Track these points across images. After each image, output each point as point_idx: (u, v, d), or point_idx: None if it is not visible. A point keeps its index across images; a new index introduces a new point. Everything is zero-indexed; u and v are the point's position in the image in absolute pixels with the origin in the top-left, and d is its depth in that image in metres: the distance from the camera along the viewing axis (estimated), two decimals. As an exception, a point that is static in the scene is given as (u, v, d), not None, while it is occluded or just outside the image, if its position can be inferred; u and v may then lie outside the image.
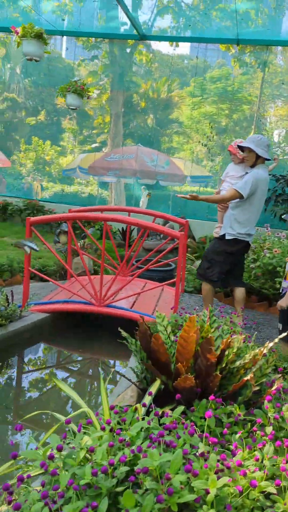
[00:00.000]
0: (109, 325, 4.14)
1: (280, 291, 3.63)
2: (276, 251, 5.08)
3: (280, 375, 2.42)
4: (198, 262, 6.41)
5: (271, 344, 2.38)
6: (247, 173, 3.92)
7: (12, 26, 4.28)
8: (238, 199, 3.82)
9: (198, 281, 5.03)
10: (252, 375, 2.08)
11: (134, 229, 6.79)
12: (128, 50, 11.88)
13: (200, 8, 10.87)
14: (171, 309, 4.31)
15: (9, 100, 18.22)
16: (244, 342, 2.82)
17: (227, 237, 3.92)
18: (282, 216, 5.24)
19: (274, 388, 2.13)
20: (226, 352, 2.21)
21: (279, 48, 11.91)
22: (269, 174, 7.14)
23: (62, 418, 1.97)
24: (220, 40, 8.21)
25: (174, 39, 8.91)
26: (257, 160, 3.81)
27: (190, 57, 26.66)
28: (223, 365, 2.11)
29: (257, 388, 2.23)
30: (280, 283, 4.65)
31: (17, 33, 4.25)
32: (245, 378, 2.02)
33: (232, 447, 1.73)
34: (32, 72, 16.14)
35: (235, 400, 2.12)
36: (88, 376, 3.64)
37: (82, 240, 6.09)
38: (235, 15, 6.95)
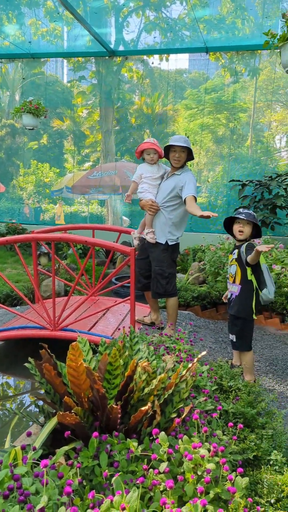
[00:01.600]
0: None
1: (230, 296, 3.39)
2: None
3: (204, 398, 2.19)
4: (181, 276, 6.20)
5: (191, 365, 2.16)
6: (172, 174, 3.79)
7: None
8: (175, 203, 3.73)
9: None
10: (157, 403, 1.87)
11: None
12: (114, 68, 11.98)
13: (187, 22, 10.94)
14: (138, 328, 4.12)
15: (7, 126, 18.55)
16: (182, 361, 2.61)
17: (170, 243, 3.78)
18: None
19: (184, 415, 1.91)
20: (136, 378, 2.02)
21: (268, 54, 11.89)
22: (247, 180, 6.97)
23: None
24: (189, 50, 8.27)
25: (143, 53, 9.00)
26: (186, 161, 3.73)
27: (189, 71, 26.91)
28: (127, 394, 1.91)
29: (174, 415, 2.01)
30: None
31: None
32: (144, 408, 1.81)
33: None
34: (31, 97, 16.46)
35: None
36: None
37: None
38: (196, 22, 6.96)
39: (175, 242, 3.82)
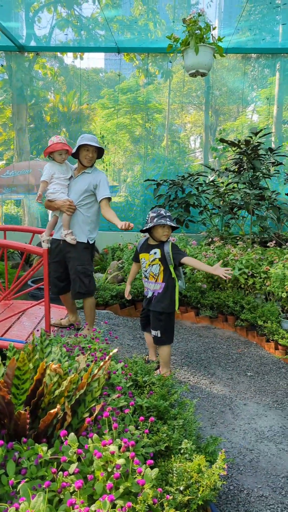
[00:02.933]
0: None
1: (152, 294, 3.48)
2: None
3: (118, 395, 2.22)
4: (99, 275, 6.20)
5: (102, 363, 2.17)
6: (82, 173, 3.81)
7: None
8: (90, 201, 3.78)
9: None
10: (67, 404, 1.85)
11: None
12: (26, 64, 11.64)
13: (100, 21, 10.91)
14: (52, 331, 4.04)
15: None
16: (96, 360, 2.61)
17: (91, 242, 3.83)
18: None
19: (95, 413, 1.91)
20: (46, 381, 1.98)
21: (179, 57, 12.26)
22: (162, 180, 7.16)
23: None
24: (101, 49, 8.34)
25: (56, 49, 8.92)
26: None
27: (105, 70, 27.00)
28: (36, 398, 1.86)
29: (87, 415, 2.01)
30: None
31: None
32: (53, 410, 1.78)
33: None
34: None
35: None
36: None
37: None
38: (107, 23, 7.03)
39: (94, 241, 3.88)
